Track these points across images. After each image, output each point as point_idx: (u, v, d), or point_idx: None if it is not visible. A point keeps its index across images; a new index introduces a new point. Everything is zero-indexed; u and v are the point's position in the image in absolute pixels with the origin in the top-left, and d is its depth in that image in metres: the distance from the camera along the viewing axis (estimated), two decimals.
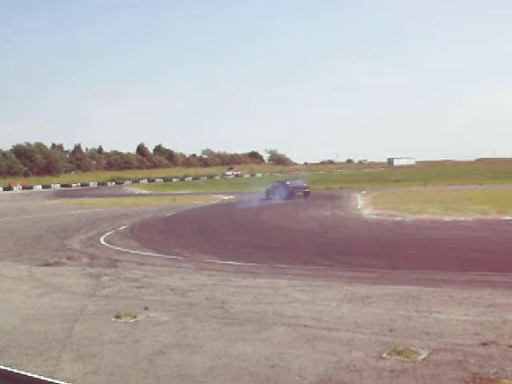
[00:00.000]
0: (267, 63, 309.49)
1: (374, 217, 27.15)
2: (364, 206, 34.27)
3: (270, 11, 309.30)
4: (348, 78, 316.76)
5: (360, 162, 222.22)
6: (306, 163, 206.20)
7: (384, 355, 6.75)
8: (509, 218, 23.51)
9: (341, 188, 58.51)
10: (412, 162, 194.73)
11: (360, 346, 7.21)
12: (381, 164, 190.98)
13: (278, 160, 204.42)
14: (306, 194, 44.23)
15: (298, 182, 47.44)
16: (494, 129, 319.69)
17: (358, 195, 43.75)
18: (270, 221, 27.88)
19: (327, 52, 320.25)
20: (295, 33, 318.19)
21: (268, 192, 45.44)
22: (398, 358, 6.64)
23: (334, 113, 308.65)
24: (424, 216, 25.88)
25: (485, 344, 6.99)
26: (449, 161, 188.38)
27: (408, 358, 6.62)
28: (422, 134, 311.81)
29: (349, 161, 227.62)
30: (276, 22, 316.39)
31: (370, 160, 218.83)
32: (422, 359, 6.58)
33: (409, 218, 25.55)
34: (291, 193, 43.44)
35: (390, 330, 7.79)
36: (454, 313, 8.69)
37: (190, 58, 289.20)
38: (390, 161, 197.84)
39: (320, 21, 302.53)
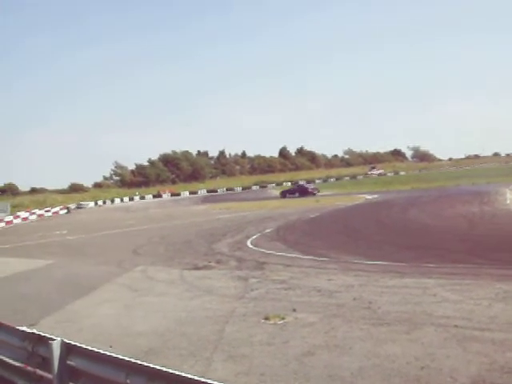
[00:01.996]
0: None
1: None
2: None
3: None
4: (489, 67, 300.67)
5: (507, 155, 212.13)
6: (450, 159, 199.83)
7: None
8: None
9: (488, 183, 56.29)
10: None
11: None
12: None
13: (422, 157, 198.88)
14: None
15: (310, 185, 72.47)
16: None
17: (507, 190, 41.92)
18: (415, 219, 27.38)
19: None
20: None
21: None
22: None
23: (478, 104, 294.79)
24: None
25: None
26: None
27: None
28: None
29: (495, 154, 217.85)
30: None
31: None
32: None
33: None
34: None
35: None
36: None
37: (328, 56, 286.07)
38: None
39: None
